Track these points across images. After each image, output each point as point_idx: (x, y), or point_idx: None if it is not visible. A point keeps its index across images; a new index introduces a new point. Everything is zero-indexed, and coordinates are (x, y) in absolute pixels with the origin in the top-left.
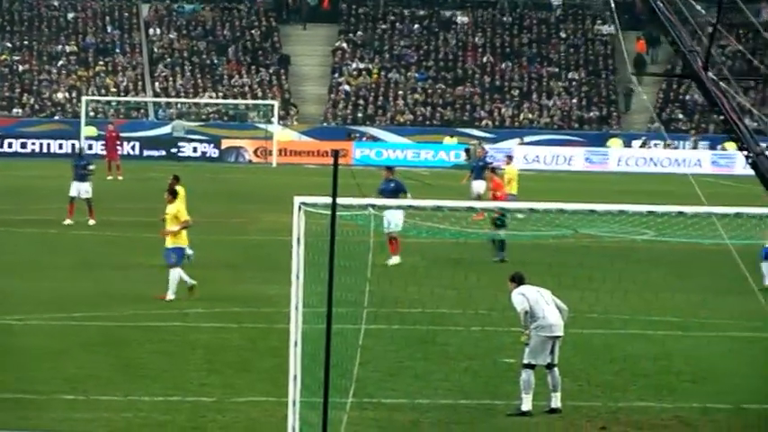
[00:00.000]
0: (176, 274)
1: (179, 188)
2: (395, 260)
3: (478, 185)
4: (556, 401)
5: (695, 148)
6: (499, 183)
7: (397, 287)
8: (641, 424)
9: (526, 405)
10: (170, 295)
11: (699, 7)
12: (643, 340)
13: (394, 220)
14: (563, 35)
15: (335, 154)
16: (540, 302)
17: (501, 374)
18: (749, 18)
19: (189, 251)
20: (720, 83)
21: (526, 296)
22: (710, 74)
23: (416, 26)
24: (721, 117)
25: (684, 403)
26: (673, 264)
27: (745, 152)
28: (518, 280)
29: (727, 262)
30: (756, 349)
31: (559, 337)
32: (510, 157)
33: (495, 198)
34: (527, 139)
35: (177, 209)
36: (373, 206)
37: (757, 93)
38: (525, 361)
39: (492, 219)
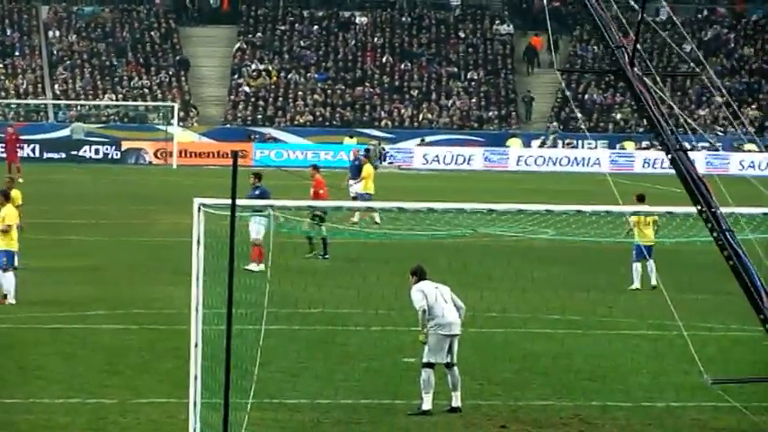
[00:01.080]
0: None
1: (14, 192)
2: (254, 267)
3: (357, 186)
4: (456, 401)
5: (554, 146)
6: (320, 181)
7: (297, 287)
8: (541, 422)
9: (427, 404)
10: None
11: (633, 2)
12: (543, 339)
13: (255, 227)
14: (462, 35)
15: (235, 155)
16: (438, 300)
17: (401, 374)
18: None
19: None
20: (645, 79)
21: (425, 293)
22: (636, 70)
23: (315, 27)
24: (644, 114)
25: (584, 401)
26: (572, 262)
27: (666, 150)
28: (419, 274)
29: (625, 260)
30: (656, 347)
31: (457, 335)
32: (367, 154)
33: (317, 196)
34: (427, 139)
35: (6, 212)
36: (273, 207)
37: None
38: (425, 360)
39: (312, 215)
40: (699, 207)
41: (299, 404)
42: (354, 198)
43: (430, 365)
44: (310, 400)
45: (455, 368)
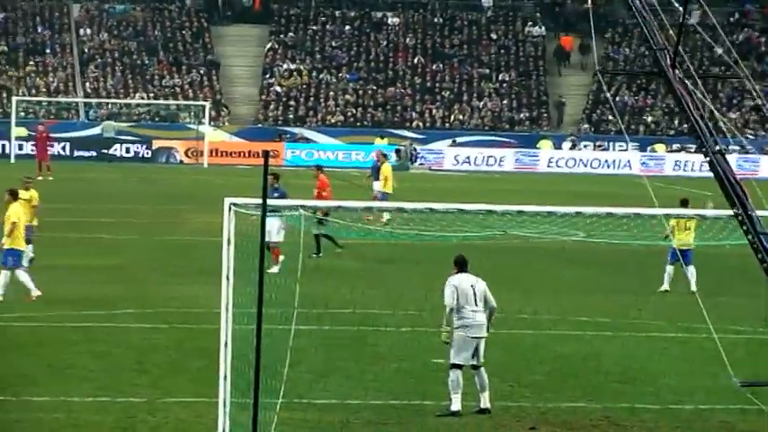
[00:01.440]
0: (4, 277)
1: (25, 192)
2: (274, 269)
3: (378, 186)
4: (485, 402)
5: (573, 147)
6: (324, 181)
7: (328, 288)
8: (570, 424)
9: (455, 405)
10: None
11: (677, 4)
12: (573, 341)
13: (273, 229)
14: (494, 36)
15: (266, 155)
16: (469, 300)
17: (431, 375)
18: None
19: (30, 254)
20: (686, 81)
21: (458, 291)
22: (677, 72)
23: (347, 27)
24: (684, 116)
25: (613, 404)
26: (602, 264)
27: (704, 152)
28: (459, 265)
29: (655, 263)
30: (685, 350)
31: (483, 338)
32: (385, 155)
33: (320, 197)
34: (458, 140)
35: (11, 211)
36: (304, 207)
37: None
38: (451, 361)
39: (318, 217)
40: (735, 210)
41: (328, 404)
42: (375, 198)
43: (457, 366)
44: (340, 401)
45: (482, 370)
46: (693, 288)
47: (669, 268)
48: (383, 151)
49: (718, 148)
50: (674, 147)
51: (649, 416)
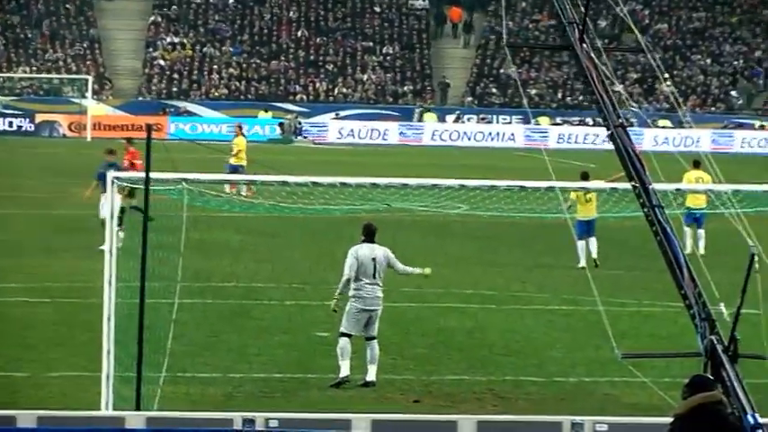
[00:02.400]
0: None
1: None
2: (104, 247)
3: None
4: (371, 375)
5: (420, 120)
6: (134, 152)
7: (212, 261)
8: (455, 397)
9: (344, 371)
10: None
11: None
12: (457, 314)
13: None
14: (377, 9)
15: (149, 128)
16: (367, 272)
17: (314, 348)
18: None
19: None
20: (592, 55)
21: (358, 262)
22: (585, 46)
23: (231, 1)
24: (589, 89)
25: (498, 376)
26: (486, 238)
27: (606, 125)
28: (365, 234)
29: (539, 236)
30: (569, 322)
31: (376, 310)
32: (240, 127)
33: (133, 167)
34: (342, 113)
35: None
36: (186, 180)
37: (570, 66)
38: (341, 329)
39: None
40: (633, 183)
41: (211, 378)
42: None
43: (346, 335)
44: (223, 374)
45: (375, 342)
46: (594, 256)
47: (580, 244)
48: (240, 124)
49: (620, 122)
50: (558, 120)
51: (534, 388)
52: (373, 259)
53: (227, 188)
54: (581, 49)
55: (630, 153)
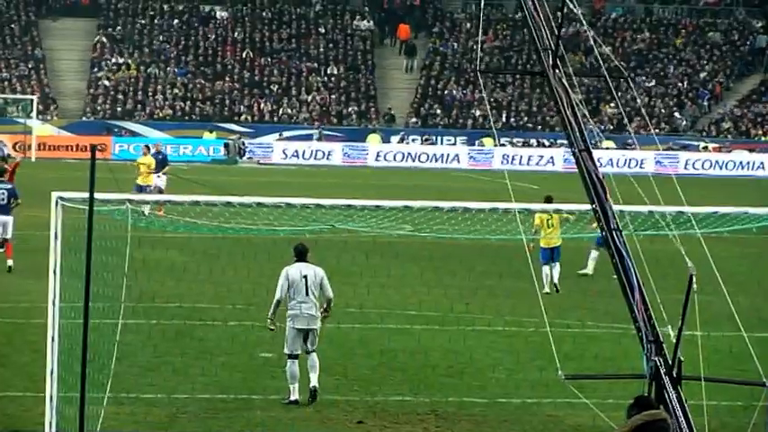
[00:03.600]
0: None
1: None
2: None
3: (159, 181)
4: (314, 381)
5: (320, 139)
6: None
7: (155, 282)
8: (398, 418)
9: (294, 395)
10: None
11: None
12: (400, 335)
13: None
14: (322, 30)
15: (93, 149)
16: (299, 290)
17: (258, 369)
18: (506, 14)
19: None
20: (563, 80)
21: (289, 281)
22: (557, 72)
23: (176, 21)
24: (559, 114)
25: (441, 397)
26: (429, 259)
27: (573, 149)
28: (297, 254)
29: (483, 257)
30: (513, 343)
31: (312, 329)
32: (148, 147)
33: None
34: (286, 134)
35: None
36: (131, 201)
37: (515, 88)
38: (285, 351)
39: None
40: (593, 206)
41: (155, 399)
42: (159, 192)
43: (291, 356)
44: (167, 395)
45: (314, 355)
46: (555, 281)
47: (544, 269)
48: (148, 144)
49: (586, 146)
50: (503, 141)
51: (477, 409)
52: (304, 277)
53: (146, 210)
54: (553, 75)
55: (593, 177)
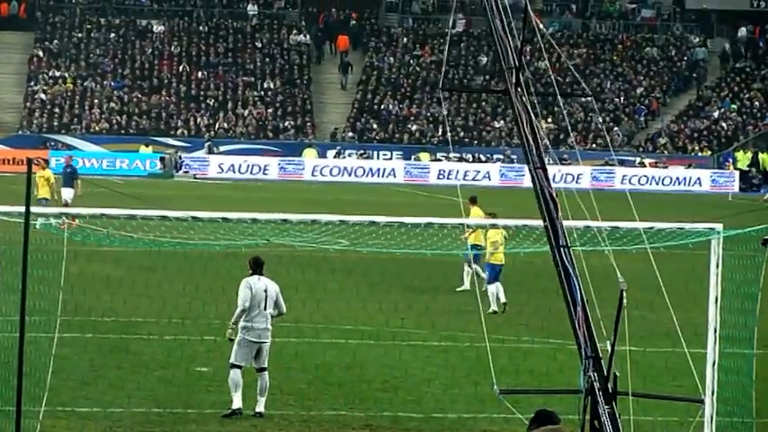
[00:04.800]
0: None
1: None
2: None
3: (67, 193)
4: (260, 406)
5: (210, 152)
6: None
7: (91, 296)
8: None
9: (236, 403)
10: None
11: (541, 26)
12: (336, 349)
13: None
14: (258, 44)
15: (29, 163)
16: (260, 303)
17: (194, 383)
18: (441, 29)
19: None
20: (524, 99)
21: (252, 292)
22: (519, 90)
23: (112, 35)
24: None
25: (376, 412)
26: (365, 273)
27: (529, 165)
28: (254, 266)
29: (418, 272)
30: (448, 358)
31: (266, 342)
32: (46, 161)
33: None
34: (222, 148)
35: None
36: (67, 215)
37: (451, 103)
38: (231, 361)
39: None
40: (545, 223)
41: (91, 412)
42: (65, 205)
43: (236, 366)
44: (103, 409)
45: (265, 374)
46: (503, 300)
47: (491, 288)
48: (39, 158)
49: (541, 164)
50: (439, 155)
51: (412, 424)
52: (265, 291)
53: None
54: (516, 93)
55: (545, 195)
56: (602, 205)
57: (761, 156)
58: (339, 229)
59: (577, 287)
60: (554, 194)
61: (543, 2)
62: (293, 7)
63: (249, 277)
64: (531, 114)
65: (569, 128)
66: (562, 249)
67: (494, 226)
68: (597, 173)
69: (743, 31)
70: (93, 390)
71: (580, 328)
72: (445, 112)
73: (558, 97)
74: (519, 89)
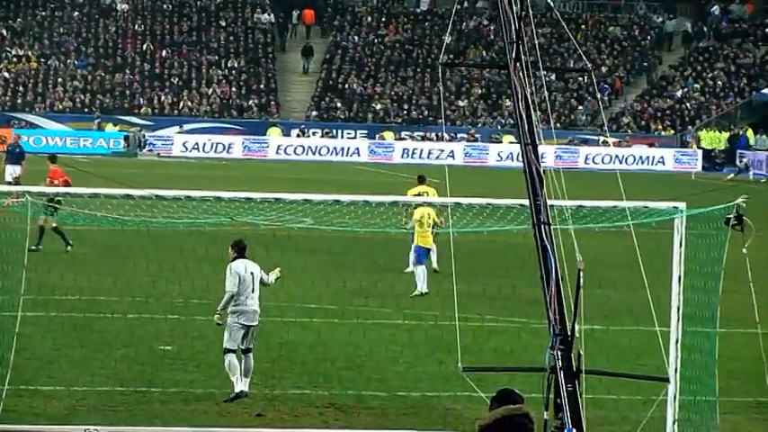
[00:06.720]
0: None
1: None
2: None
3: (12, 170)
4: (243, 385)
5: (99, 129)
6: (56, 171)
7: (55, 274)
8: (297, 411)
9: (238, 386)
10: None
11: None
12: (299, 328)
13: None
14: (223, 23)
15: None
16: (247, 287)
17: (157, 361)
18: (406, 9)
19: None
20: (521, 74)
21: (240, 277)
22: (518, 65)
23: (76, 13)
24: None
25: (340, 390)
26: (329, 252)
27: (519, 141)
28: (238, 250)
29: (382, 250)
30: (412, 337)
31: (255, 325)
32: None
33: (52, 187)
34: (186, 126)
35: None
36: (30, 193)
37: (415, 82)
38: (225, 346)
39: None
40: (530, 201)
41: (54, 391)
42: (14, 183)
43: (230, 351)
44: (66, 388)
45: (251, 355)
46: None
47: (419, 269)
48: (22, 135)
49: (532, 140)
50: (403, 134)
51: (376, 403)
52: (251, 273)
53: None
54: (514, 68)
55: (533, 172)
56: (566, 184)
57: (749, 132)
58: (303, 208)
59: (553, 264)
60: (541, 171)
61: None
62: None
63: (234, 264)
64: (527, 90)
65: (533, 105)
66: (543, 226)
67: (432, 205)
68: (561, 152)
69: (716, 9)
70: (57, 368)
71: (551, 304)
72: (441, 89)
73: (531, 74)
74: (518, 64)
